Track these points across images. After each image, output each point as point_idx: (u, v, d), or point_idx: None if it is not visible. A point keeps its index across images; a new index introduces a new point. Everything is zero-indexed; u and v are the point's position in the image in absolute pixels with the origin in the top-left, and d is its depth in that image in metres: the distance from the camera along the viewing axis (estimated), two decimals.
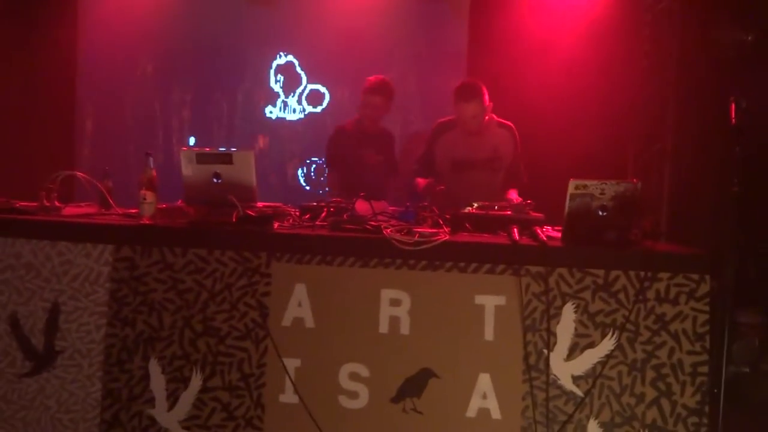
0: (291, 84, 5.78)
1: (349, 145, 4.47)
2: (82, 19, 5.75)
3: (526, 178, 4.16)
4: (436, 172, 4.17)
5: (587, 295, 2.76)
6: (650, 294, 2.74)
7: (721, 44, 4.84)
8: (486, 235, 3.07)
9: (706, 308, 2.72)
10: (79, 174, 3.37)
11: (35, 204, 3.24)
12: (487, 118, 4.08)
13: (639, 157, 5.21)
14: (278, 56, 5.76)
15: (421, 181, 4.16)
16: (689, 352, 2.72)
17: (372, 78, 4.49)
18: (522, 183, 4.12)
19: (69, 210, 3.29)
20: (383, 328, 2.83)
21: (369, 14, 5.59)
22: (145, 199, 3.03)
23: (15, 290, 2.99)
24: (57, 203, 3.26)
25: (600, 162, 4.80)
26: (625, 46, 5.10)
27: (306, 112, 5.78)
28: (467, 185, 3.76)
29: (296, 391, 2.84)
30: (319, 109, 5.77)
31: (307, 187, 5.72)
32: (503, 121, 4.18)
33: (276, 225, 3.04)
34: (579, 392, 2.75)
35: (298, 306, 2.88)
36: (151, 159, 3.10)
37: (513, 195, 3.89)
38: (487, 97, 4.02)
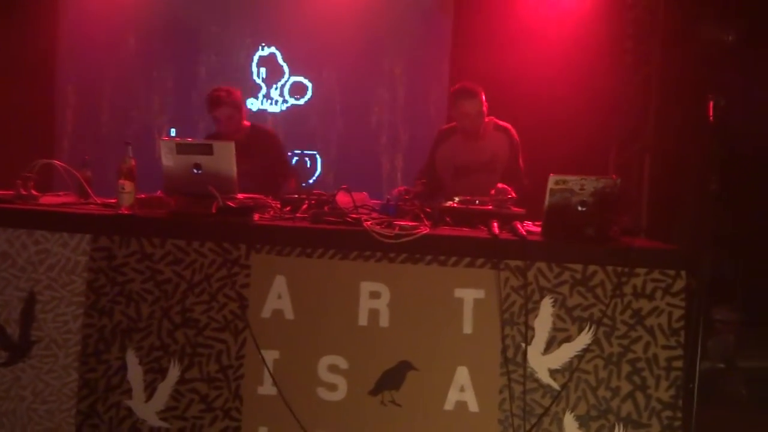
0: (273, 76, 5.76)
1: None
2: (62, 7, 5.69)
3: (527, 180, 4.10)
4: (437, 178, 4.18)
5: (565, 289, 2.78)
6: (627, 289, 2.76)
7: (703, 43, 4.89)
8: (466, 229, 3.07)
9: (682, 304, 2.75)
10: (56, 163, 3.34)
11: (12, 192, 3.20)
12: (486, 120, 4.10)
13: (620, 154, 5.26)
14: (261, 48, 5.73)
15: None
16: (664, 347, 2.75)
17: (218, 92, 4.19)
18: (521, 184, 4.09)
19: (46, 199, 3.26)
20: (362, 320, 2.84)
21: (352, 6, 5.58)
22: (123, 188, 3.01)
23: None
24: (34, 192, 3.23)
25: (581, 158, 4.83)
26: (608, 43, 5.14)
27: (289, 104, 5.76)
28: (468, 189, 3.77)
29: (275, 383, 2.84)
30: (302, 101, 5.75)
31: None
32: (501, 123, 4.19)
33: (256, 216, 3.03)
34: (556, 385, 2.77)
35: (277, 298, 2.87)
36: (130, 148, 3.07)
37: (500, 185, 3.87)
38: (484, 98, 4.04)
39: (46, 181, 3.61)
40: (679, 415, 2.73)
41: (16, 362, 2.95)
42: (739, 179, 4.17)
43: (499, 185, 3.57)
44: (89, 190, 3.33)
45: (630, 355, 2.76)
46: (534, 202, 3.18)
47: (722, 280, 4.45)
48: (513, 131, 4.18)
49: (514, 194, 3.52)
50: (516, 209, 3.33)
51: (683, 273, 2.75)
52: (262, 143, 4.26)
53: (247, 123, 4.32)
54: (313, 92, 5.73)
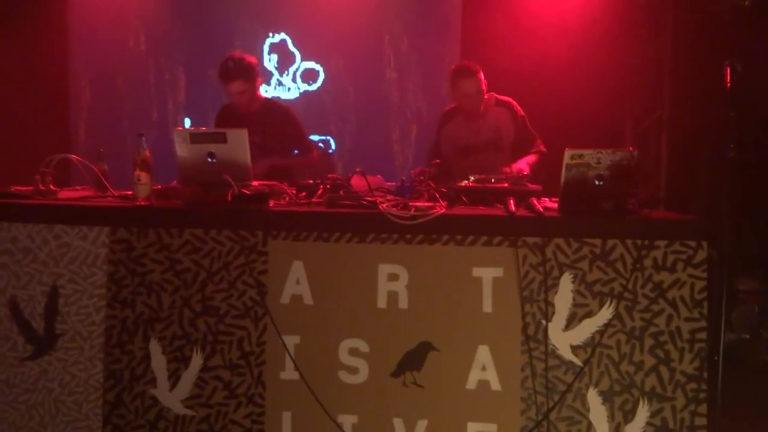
0: (285, 62, 5.74)
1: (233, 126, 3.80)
2: (72, 2, 5.70)
3: (544, 148, 4.09)
4: (443, 160, 4.15)
5: (584, 264, 2.76)
6: (647, 262, 2.74)
7: (717, 9, 4.80)
8: (482, 207, 3.06)
9: (704, 275, 2.72)
10: (73, 157, 3.36)
11: (31, 188, 3.23)
12: (486, 97, 4.06)
13: (636, 126, 5.20)
14: (271, 34, 5.71)
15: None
16: (687, 319, 2.72)
17: (230, 62, 4.01)
18: (538, 152, 4.07)
19: (65, 193, 3.28)
20: (381, 303, 2.84)
21: None
22: (139, 180, 3.03)
23: (13, 275, 2.99)
24: (52, 187, 3.25)
25: (597, 131, 4.79)
26: (620, 14, 5.06)
27: (301, 90, 5.75)
28: (473, 169, 3.75)
29: (296, 368, 2.85)
30: (314, 86, 5.74)
31: None
32: (502, 97, 4.15)
33: (272, 203, 3.03)
34: (578, 362, 2.76)
35: (296, 283, 2.88)
36: (143, 139, 3.08)
37: (519, 164, 3.86)
38: (483, 77, 4.00)
39: (64, 176, 3.64)
40: (704, 387, 2.71)
41: (42, 355, 2.99)
42: (759, 146, 4.11)
43: (514, 167, 3.52)
44: (106, 183, 3.35)
45: (652, 329, 2.73)
46: (550, 178, 3.15)
47: (745, 250, 4.41)
48: (514, 103, 4.14)
49: (528, 170, 3.49)
50: (532, 186, 3.30)
51: (704, 244, 2.72)
52: (276, 119, 4.17)
53: (261, 96, 4.23)
54: (324, 77, 5.71)
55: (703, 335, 2.72)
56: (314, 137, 5.68)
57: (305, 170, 4.24)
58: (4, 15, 5.36)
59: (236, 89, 4.03)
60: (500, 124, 4.10)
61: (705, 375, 2.71)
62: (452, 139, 4.17)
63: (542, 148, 4.10)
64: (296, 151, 4.21)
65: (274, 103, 4.33)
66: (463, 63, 4.18)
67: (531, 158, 3.97)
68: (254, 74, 4.08)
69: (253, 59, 4.11)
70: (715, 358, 2.71)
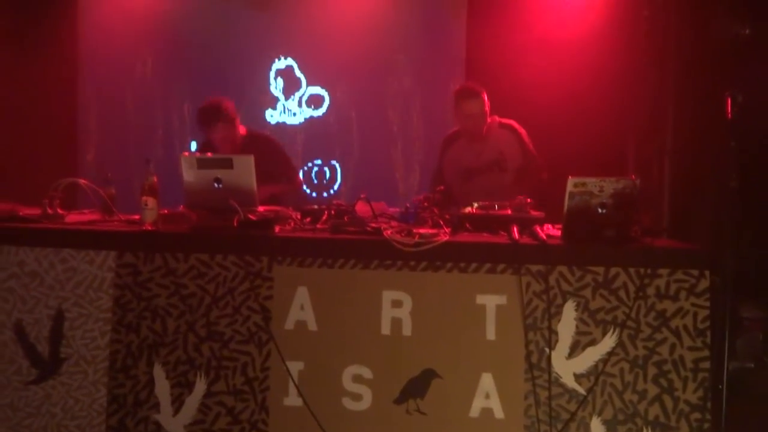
0: (291, 87, 5.80)
1: None
2: (81, 26, 5.79)
3: (545, 174, 4.10)
4: (447, 184, 4.17)
5: (588, 292, 2.78)
6: (650, 290, 2.75)
7: (719, 38, 4.85)
8: (486, 234, 3.08)
9: (707, 304, 2.73)
10: (81, 181, 3.40)
11: (38, 212, 3.26)
12: (489, 120, 4.10)
13: (639, 153, 5.22)
14: (277, 59, 5.78)
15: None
16: (690, 348, 2.73)
17: (201, 110, 4.08)
18: (540, 179, 4.08)
19: (72, 217, 3.31)
20: (385, 329, 2.85)
21: (367, 17, 5.61)
22: (146, 205, 3.05)
23: (20, 298, 3.01)
24: (60, 211, 3.29)
25: (600, 159, 4.80)
26: (622, 42, 5.10)
27: (306, 116, 5.80)
28: (477, 191, 3.77)
29: (300, 394, 2.86)
30: (319, 112, 5.78)
31: (309, 191, 5.73)
32: (504, 120, 4.18)
33: (277, 229, 3.06)
34: (581, 390, 2.76)
35: (300, 309, 2.90)
36: (151, 165, 3.11)
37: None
38: (486, 98, 4.04)
39: (71, 199, 3.67)
40: (708, 416, 2.71)
41: (46, 379, 3.00)
42: (762, 174, 4.12)
43: (519, 197, 3.54)
44: (113, 208, 3.38)
45: (656, 358, 2.74)
46: (553, 204, 3.17)
47: (748, 277, 4.41)
48: (518, 126, 4.16)
49: (529, 199, 3.51)
50: (535, 213, 3.32)
51: (707, 273, 2.74)
52: (261, 150, 4.03)
53: (243, 130, 4.23)
54: (330, 103, 5.76)
55: (706, 364, 2.72)
56: (319, 163, 5.73)
57: (292, 196, 4.27)
58: (14, 39, 5.43)
59: (220, 136, 4.03)
60: (504, 147, 4.12)
61: (709, 404, 2.71)
62: (455, 162, 4.19)
63: (544, 175, 4.11)
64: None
65: (256, 135, 4.32)
66: (467, 84, 4.22)
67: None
68: (233, 117, 4.10)
69: (228, 103, 4.12)
70: (719, 387, 2.71)
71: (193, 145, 5.85)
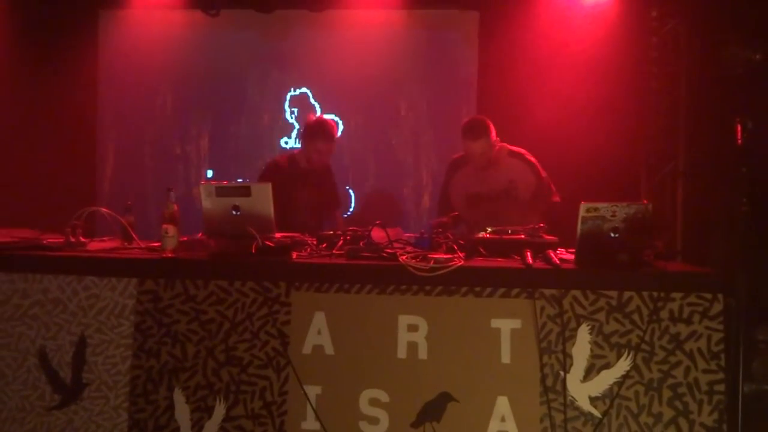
0: (305, 115, 5.89)
1: (281, 183, 4.14)
2: (102, 56, 5.92)
3: (558, 198, 4.15)
4: (452, 208, 4.21)
5: (601, 316, 2.80)
6: (664, 314, 2.78)
7: (730, 63, 4.89)
8: (500, 259, 3.12)
9: (720, 327, 2.75)
10: (103, 210, 3.48)
11: (61, 240, 3.34)
12: (497, 148, 4.13)
13: (652, 176, 5.25)
14: (292, 89, 5.88)
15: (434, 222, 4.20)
16: (705, 371, 2.74)
17: (322, 123, 4.43)
18: (552, 203, 4.12)
19: (93, 245, 3.39)
20: (401, 353, 2.88)
21: (379, 43, 5.70)
22: (167, 233, 3.11)
23: (43, 325, 3.08)
24: (82, 239, 3.36)
25: (613, 184, 4.85)
26: (632, 68, 5.17)
27: None
28: (483, 218, 3.81)
29: (318, 418, 2.89)
30: None
31: None
32: (514, 148, 4.21)
33: (294, 255, 3.11)
34: (597, 413, 2.78)
35: (317, 334, 2.94)
36: (172, 194, 3.18)
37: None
38: (493, 131, 4.08)
39: (91, 227, 3.75)
40: None
41: (68, 405, 3.06)
42: None
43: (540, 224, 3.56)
44: (134, 235, 3.45)
45: (670, 381, 2.76)
46: (566, 229, 3.21)
47: (763, 301, 4.40)
48: (528, 154, 4.20)
49: (542, 223, 3.54)
50: (549, 237, 3.36)
51: (720, 296, 2.76)
52: (325, 175, 4.53)
53: None
54: (344, 129, 5.85)
55: (721, 387, 2.74)
56: None
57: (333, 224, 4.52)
58: (35, 67, 5.57)
59: (327, 149, 4.36)
60: (515, 176, 4.14)
61: (725, 427, 2.72)
62: (462, 188, 4.22)
63: (556, 198, 4.15)
64: None
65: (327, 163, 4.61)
66: (473, 121, 4.19)
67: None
68: (335, 136, 4.46)
69: (334, 123, 4.57)
70: (735, 409, 2.72)
71: (209, 173, 5.95)
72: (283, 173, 4.34)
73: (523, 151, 4.22)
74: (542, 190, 4.16)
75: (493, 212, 4.01)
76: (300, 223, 3.75)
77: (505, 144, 4.19)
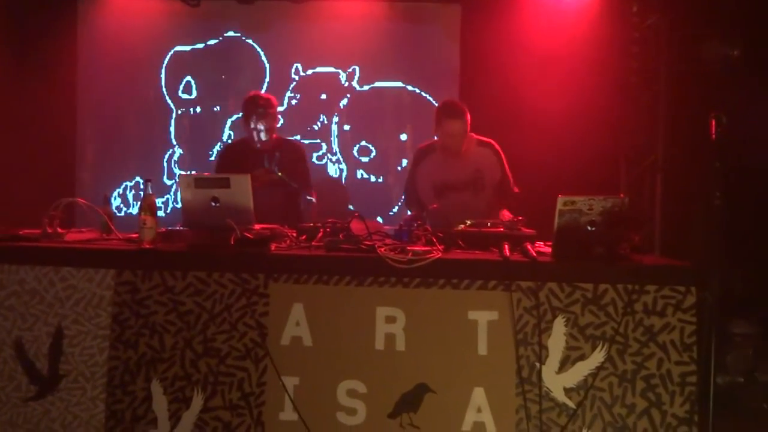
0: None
1: (231, 166, 4.18)
2: (80, 45, 5.85)
3: (518, 189, 4.16)
4: (418, 198, 4.21)
5: (577, 308, 2.83)
6: (638, 306, 2.81)
7: (708, 59, 4.94)
8: (478, 251, 3.14)
9: (693, 319, 2.79)
10: (80, 201, 3.46)
11: (38, 231, 3.32)
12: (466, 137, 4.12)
13: (631, 171, 5.30)
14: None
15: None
16: (677, 363, 2.78)
17: (260, 99, 4.26)
18: (512, 194, 4.13)
19: (71, 236, 3.36)
20: (379, 344, 2.90)
21: (361, 35, 5.69)
22: (145, 224, 3.10)
23: (20, 316, 3.06)
24: (59, 229, 3.34)
25: (591, 177, 4.88)
26: (613, 63, 5.21)
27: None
28: (450, 208, 3.80)
29: (295, 409, 2.90)
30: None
31: None
32: (483, 138, 4.19)
33: (273, 246, 3.12)
34: (571, 404, 2.81)
35: (296, 325, 2.95)
36: (149, 185, 3.17)
37: (506, 213, 3.92)
38: (468, 117, 4.06)
39: (69, 218, 3.72)
40: (696, 430, 2.76)
41: (45, 396, 3.04)
42: (749, 192, 4.20)
43: (506, 212, 3.58)
44: (112, 227, 3.44)
45: (644, 372, 2.80)
46: (543, 222, 3.24)
47: (737, 293, 4.47)
48: (496, 145, 4.18)
49: (510, 213, 3.55)
50: (527, 230, 3.39)
51: (693, 289, 2.80)
52: (290, 154, 4.37)
53: (275, 134, 4.39)
54: (325, 121, 5.83)
55: (693, 379, 2.78)
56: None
57: (306, 209, 4.37)
58: (13, 57, 5.51)
59: (265, 126, 4.21)
60: (482, 165, 4.12)
61: (696, 418, 2.76)
62: (429, 176, 4.17)
63: (516, 190, 4.15)
64: None
65: (287, 142, 4.50)
66: (451, 102, 4.19)
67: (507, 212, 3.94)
68: (277, 113, 4.33)
69: (275, 99, 4.37)
70: (706, 400, 2.76)
71: (177, 151, 5.89)
72: (234, 156, 4.29)
73: (491, 141, 4.19)
74: (505, 180, 4.17)
75: (460, 203, 4.00)
76: (263, 205, 3.36)
77: (473, 134, 4.16)
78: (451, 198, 4.10)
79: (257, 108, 4.23)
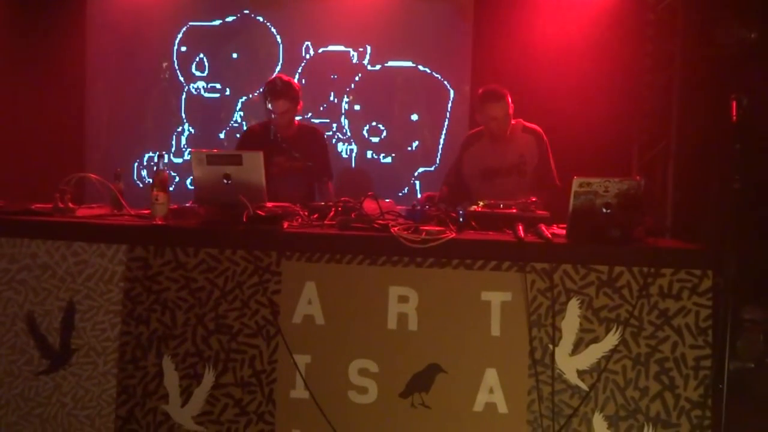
0: None
1: (257, 148, 4.02)
2: (90, 22, 5.82)
3: (560, 182, 4.10)
4: (464, 183, 4.21)
5: (591, 290, 2.82)
6: (653, 289, 2.79)
7: (724, 42, 4.89)
8: (492, 232, 3.12)
9: (709, 303, 2.77)
10: (92, 176, 3.44)
11: (50, 205, 3.31)
12: (513, 122, 4.12)
13: (643, 155, 5.26)
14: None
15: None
16: (692, 347, 2.77)
17: (279, 81, 4.19)
18: (553, 185, 4.10)
19: (82, 211, 3.35)
20: (392, 324, 2.89)
21: (373, 15, 5.64)
22: (157, 199, 3.09)
23: (31, 290, 3.06)
24: (71, 205, 3.33)
25: (605, 160, 4.85)
26: (628, 45, 5.15)
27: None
28: (496, 193, 3.79)
29: (307, 387, 2.90)
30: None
31: None
32: (529, 125, 4.20)
33: (285, 224, 3.10)
34: (584, 386, 2.80)
35: (308, 303, 2.94)
36: (162, 160, 3.15)
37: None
38: (510, 101, 4.06)
39: (80, 194, 3.72)
40: (709, 414, 2.75)
41: (57, 370, 3.05)
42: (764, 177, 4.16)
43: (532, 198, 3.55)
44: (124, 202, 3.43)
45: (658, 355, 2.78)
46: (559, 204, 3.21)
47: (751, 279, 4.44)
48: (541, 132, 4.19)
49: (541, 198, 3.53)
50: (541, 212, 3.36)
51: (709, 272, 2.77)
52: (310, 141, 4.33)
53: (296, 121, 4.34)
54: (337, 103, 5.80)
55: (707, 363, 2.76)
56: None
57: (323, 194, 4.37)
58: (23, 37, 5.49)
59: (282, 108, 4.14)
60: (525, 151, 4.13)
61: (709, 402, 2.75)
62: (476, 162, 4.20)
63: (557, 182, 4.12)
64: None
65: (308, 128, 4.47)
66: (491, 86, 4.19)
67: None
68: (298, 97, 4.24)
69: (297, 83, 4.30)
70: (720, 386, 2.75)
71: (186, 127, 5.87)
72: (256, 140, 4.22)
73: (538, 129, 4.19)
74: (546, 171, 4.14)
75: (506, 188, 4.00)
76: (272, 192, 3.37)
77: (521, 120, 4.17)
78: (497, 183, 4.11)
79: (275, 91, 4.17)
